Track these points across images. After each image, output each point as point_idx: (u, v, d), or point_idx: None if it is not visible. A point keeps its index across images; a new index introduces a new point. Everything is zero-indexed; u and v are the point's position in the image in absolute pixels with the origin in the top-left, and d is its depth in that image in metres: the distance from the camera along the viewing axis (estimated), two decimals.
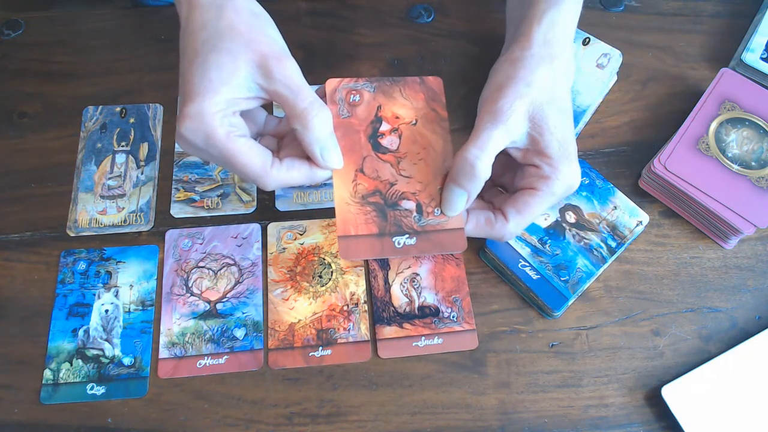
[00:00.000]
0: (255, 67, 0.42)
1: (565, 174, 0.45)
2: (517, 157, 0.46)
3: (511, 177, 0.49)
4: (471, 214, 0.47)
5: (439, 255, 0.56)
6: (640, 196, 0.59)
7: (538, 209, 0.46)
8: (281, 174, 0.44)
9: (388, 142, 0.47)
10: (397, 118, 0.48)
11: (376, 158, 0.47)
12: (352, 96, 0.48)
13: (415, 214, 0.45)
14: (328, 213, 0.58)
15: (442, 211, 0.46)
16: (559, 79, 0.46)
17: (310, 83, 0.63)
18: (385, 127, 0.48)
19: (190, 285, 0.55)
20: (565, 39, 0.48)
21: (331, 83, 0.48)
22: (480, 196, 0.48)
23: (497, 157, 0.44)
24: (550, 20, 0.47)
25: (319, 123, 0.43)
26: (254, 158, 0.43)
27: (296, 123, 0.43)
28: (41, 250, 0.56)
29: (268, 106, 0.60)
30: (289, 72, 0.42)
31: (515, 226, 0.46)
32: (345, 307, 0.54)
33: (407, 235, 0.45)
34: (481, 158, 0.43)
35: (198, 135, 0.42)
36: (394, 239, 0.45)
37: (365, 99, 0.48)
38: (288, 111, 0.43)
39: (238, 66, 0.42)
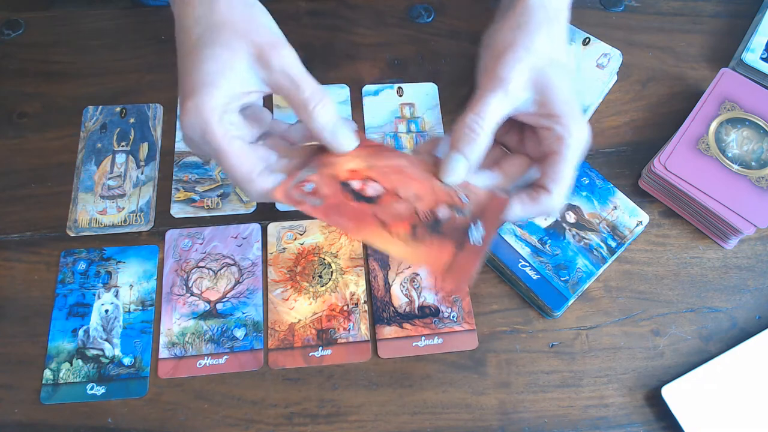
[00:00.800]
0: (253, 58, 0.41)
1: (577, 130, 0.44)
2: (529, 121, 0.45)
3: (516, 137, 0.48)
4: (512, 199, 0.45)
5: None
6: (640, 196, 0.59)
7: (569, 171, 0.44)
8: (265, 185, 0.42)
9: (373, 190, 0.44)
10: (354, 171, 0.45)
11: (381, 206, 0.44)
12: (305, 187, 0.44)
13: (456, 215, 0.43)
14: None
15: (442, 180, 0.44)
16: (557, 40, 0.46)
17: None
18: (356, 184, 0.44)
19: (190, 285, 0.55)
20: (561, 1, 0.47)
21: (278, 194, 0.43)
22: (496, 168, 0.46)
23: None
24: None
25: (323, 109, 0.42)
26: (243, 163, 0.42)
27: (301, 113, 0.43)
28: (41, 250, 0.56)
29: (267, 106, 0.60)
30: (288, 61, 0.42)
31: (559, 196, 0.44)
32: (345, 307, 0.54)
33: (471, 227, 0.43)
34: (480, 124, 0.43)
35: (196, 130, 0.41)
36: (472, 240, 0.42)
37: (316, 180, 0.44)
38: (291, 102, 0.43)
39: (235, 58, 0.41)
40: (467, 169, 0.44)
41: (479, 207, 0.44)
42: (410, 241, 0.42)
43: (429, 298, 0.55)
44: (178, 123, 0.61)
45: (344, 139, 0.44)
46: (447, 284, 0.42)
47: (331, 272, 0.56)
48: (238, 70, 0.41)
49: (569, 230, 0.55)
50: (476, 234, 0.43)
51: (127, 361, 0.52)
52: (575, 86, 0.45)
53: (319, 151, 0.45)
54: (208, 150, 0.42)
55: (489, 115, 0.43)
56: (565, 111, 0.44)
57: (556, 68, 0.44)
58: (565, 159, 0.44)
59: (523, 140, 0.48)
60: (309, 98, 0.42)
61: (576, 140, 0.44)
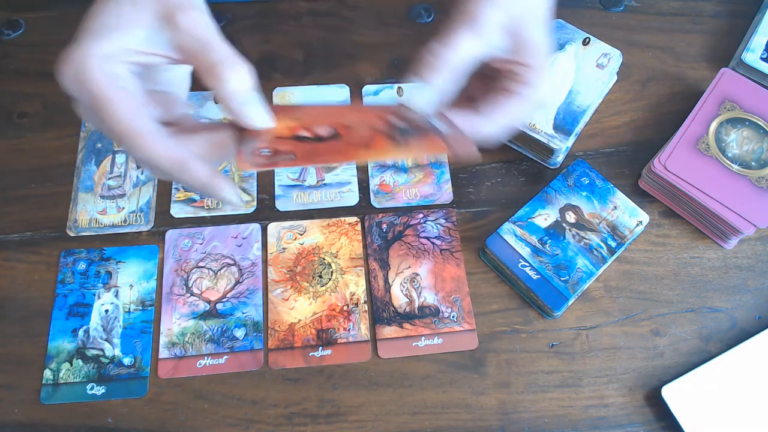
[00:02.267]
0: (159, 17, 0.38)
1: (543, 84, 0.44)
2: (494, 64, 0.45)
3: (480, 86, 0.46)
4: (481, 102, 0.44)
5: (434, 262, 0.56)
6: (640, 196, 0.59)
7: (512, 111, 0.44)
8: (163, 141, 0.37)
9: (324, 131, 0.41)
10: (291, 127, 0.41)
11: (347, 138, 0.42)
12: (261, 152, 0.41)
13: (409, 116, 0.42)
14: (328, 213, 0.58)
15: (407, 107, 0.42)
16: None
17: (310, 83, 0.64)
18: (305, 133, 0.41)
19: (190, 285, 0.55)
20: None
21: (241, 165, 0.40)
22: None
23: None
24: None
25: (236, 75, 0.37)
26: (128, 110, 0.36)
27: (209, 79, 0.37)
28: (41, 250, 0.56)
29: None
30: (197, 23, 0.38)
31: (488, 122, 0.44)
32: (345, 307, 0.54)
33: (432, 121, 0.41)
34: (445, 52, 0.41)
35: (72, 78, 0.37)
36: (438, 128, 0.42)
37: (266, 145, 0.41)
38: (199, 68, 0.38)
39: (139, 16, 0.37)
40: (432, 97, 0.42)
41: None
42: (399, 147, 0.41)
43: (429, 298, 0.55)
44: None
45: (255, 112, 0.39)
46: (459, 155, 0.41)
47: (331, 272, 0.56)
48: (140, 27, 0.38)
49: (569, 230, 0.55)
50: (441, 125, 0.41)
51: (127, 361, 0.52)
52: (549, 36, 0.45)
53: (238, 129, 0.41)
54: (86, 102, 0.37)
55: (456, 47, 0.41)
56: (538, 64, 0.44)
57: (534, 18, 0.44)
58: (516, 99, 0.44)
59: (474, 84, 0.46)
60: (218, 61, 0.37)
61: (538, 92, 0.44)
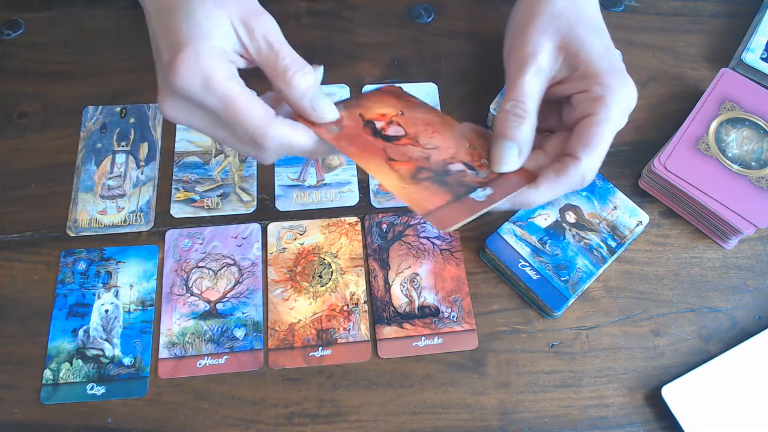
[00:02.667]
0: (238, 20, 0.40)
1: (619, 86, 0.41)
2: (563, 91, 0.43)
3: (555, 117, 0.46)
4: (540, 177, 0.42)
5: (434, 262, 0.56)
6: (640, 196, 0.59)
7: (605, 135, 0.41)
8: (284, 130, 0.41)
9: (394, 131, 0.45)
10: (384, 114, 0.46)
11: (395, 146, 0.44)
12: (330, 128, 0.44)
13: (468, 171, 0.42)
14: (328, 213, 0.58)
15: (496, 170, 0.43)
16: (581, 1, 0.44)
17: None
18: (379, 124, 0.45)
19: (190, 285, 0.55)
20: None
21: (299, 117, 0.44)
22: (537, 149, 0.44)
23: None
24: None
25: (302, 77, 0.41)
26: (256, 106, 0.40)
27: (279, 82, 0.41)
28: (41, 250, 0.56)
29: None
30: (270, 29, 0.41)
31: (589, 163, 0.41)
32: (345, 307, 0.54)
33: (479, 189, 0.41)
34: (522, 107, 0.42)
35: (196, 81, 0.38)
36: (471, 195, 0.41)
37: (343, 115, 0.45)
38: (270, 71, 0.41)
39: (224, 16, 0.40)
40: (519, 155, 0.42)
41: (499, 175, 0.43)
42: (408, 181, 0.42)
43: (429, 298, 0.55)
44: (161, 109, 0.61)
45: (324, 108, 0.42)
46: (433, 224, 0.40)
47: (331, 272, 0.56)
48: (227, 27, 0.40)
49: (569, 230, 0.55)
50: (481, 193, 0.41)
51: (127, 361, 0.52)
52: (609, 43, 0.43)
53: (352, 102, 0.46)
54: (210, 102, 0.39)
55: (527, 95, 0.42)
56: (601, 68, 0.41)
57: (583, 26, 0.43)
58: (599, 120, 0.41)
59: (561, 117, 0.45)
60: (288, 65, 0.40)
61: (616, 98, 0.41)
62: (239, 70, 0.42)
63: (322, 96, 0.42)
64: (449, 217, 0.40)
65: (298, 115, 0.43)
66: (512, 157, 0.42)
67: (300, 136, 0.42)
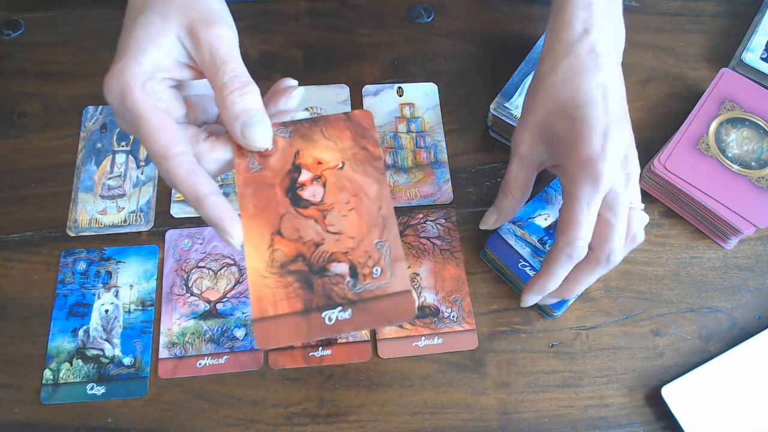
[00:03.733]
0: (184, 30, 0.38)
1: (584, 180, 0.44)
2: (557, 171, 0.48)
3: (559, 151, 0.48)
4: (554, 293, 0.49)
5: (434, 262, 0.56)
6: None
7: (571, 214, 0.44)
8: (178, 172, 0.37)
9: (310, 193, 0.39)
10: (320, 163, 0.40)
11: (297, 215, 0.39)
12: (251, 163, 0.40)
13: (348, 279, 0.37)
14: None
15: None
16: (573, 83, 0.45)
17: (310, 83, 0.64)
18: (305, 176, 0.40)
19: (190, 285, 0.55)
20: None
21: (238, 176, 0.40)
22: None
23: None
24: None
25: (240, 97, 0.37)
26: (162, 133, 0.37)
27: (217, 99, 0.38)
28: (41, 250, 0.56)
29: None
30: (217, 40, 0.38)
31: (567, 243, 0.45)
32: None
33: (339, 308, 0.36)
34: (506, 186, 0.49)
35: (116, 94, 0.38)
36: (323, 315, 0.36)
37: (279, 147, 0.40)
38: (212, 86, 0.38)
39: (166, 27, 0.38)
40: (496, 221, 0.52)
41: (378, 296, 0.37)
42: (274, 269, 0.37)
43: (429, 298, 0.55)
44: None
45: (255, 136, 0.38)
46: (255, 335, 0.37)
47: None
48: (168, 38, 0.38)
49: None
50: (335, 314, 0.37)
51: (127, 361, 0.52)
52: (586, 123, 0.44)
53: (304, 128, 0.41)
54: (126, 118, 0.38)
55: (511, 178, 0.49)
56: (567, 159, 0.45)
57: (554, 117, 0.46)
58: (566, 209, 0.45)
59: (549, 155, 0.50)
60: (226, 83, 0.37)
61: (580, 189, 0.44)
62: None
63: (259, 121, 0.38)
64: (278, 334, 0.36)
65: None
66: (489, 217, 0.52)
67: (189, 187, 0.38)
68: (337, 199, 0.40)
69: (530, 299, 0.50)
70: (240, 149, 0.39)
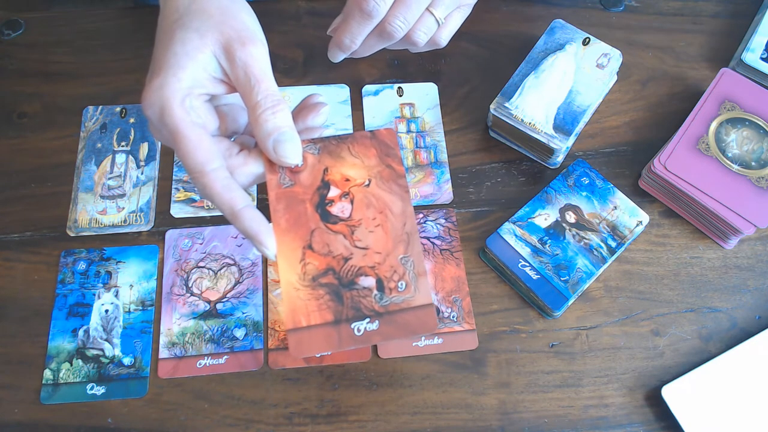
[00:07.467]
0: (220, 48, 0.40)
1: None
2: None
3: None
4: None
5: (434, 262, 0.56)
6: (640, 196, 0.59)
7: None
8: (215, 186, 0.39)
9: (339, 209, 0.41)
10: (347, 180, 0.42)
11: (326, 230, 0.41)
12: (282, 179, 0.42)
13: (375, 292, 0.39)
14: None
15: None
16: None
17: (310, 83, 0.64)
18: (333, 192, 0.42)
19: (190, 285, 0.55)
20: None
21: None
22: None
23: None
24: None
25: (272, 116, 0.39)
26: (199, 151, 0.38)
27: (250, 117, 0.40)
28: (41, 250, 0.56)
29: None
30: (252, 59, 0.39)
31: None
32: None
33: (367, 320, 0.39)
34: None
35: (155, 110, 0.39)
36: (353, 326, 0.38)
37: (309, 163, 0.42)
38: (246, 104, 0.40)
39: (204, 44, 0.39)
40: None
41: (404, 308, 0.39)
42: (306, 282, 0.39)
43: None
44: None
45: (287, 153, 0.40)
46: (289, 345, 0.38)
47: None
48: (205, 54, 0.40)
49: (569, 230, 0.55)
50: (363, 325, 0.39)
51: (127, 361, 0.52)
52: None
53: (332, 146, 0.43)
54: (164, 133, 0.40)
55: None
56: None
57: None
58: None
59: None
60: (260, 102, 0.39)
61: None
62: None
63: (290, 138, 0.40)
64: (310, 343, 0.38)
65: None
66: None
67: (225, 202, 0.39)
68: (364, 215, 0.41)
69: (337, 55, 0.52)
70: (272, 165, 0.41)
